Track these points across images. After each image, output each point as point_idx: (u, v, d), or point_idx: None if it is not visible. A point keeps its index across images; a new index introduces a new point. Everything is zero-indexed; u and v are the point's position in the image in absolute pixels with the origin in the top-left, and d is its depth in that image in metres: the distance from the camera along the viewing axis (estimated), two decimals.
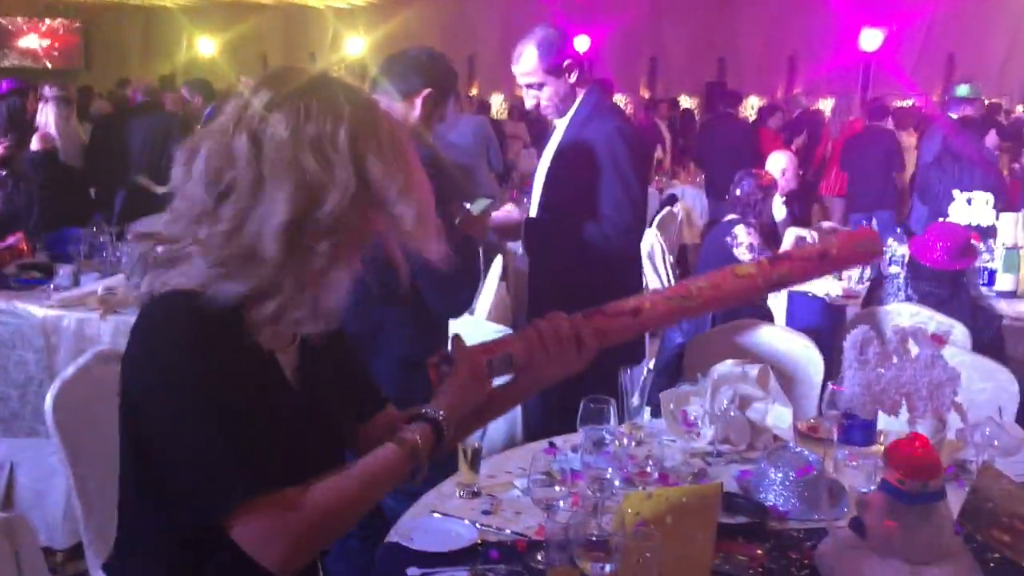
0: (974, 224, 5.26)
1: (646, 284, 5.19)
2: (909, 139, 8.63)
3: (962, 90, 7.39)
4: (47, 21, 17.05)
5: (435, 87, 2.81)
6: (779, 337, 3.36)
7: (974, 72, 11.72)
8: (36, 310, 3.87)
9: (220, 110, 1.45)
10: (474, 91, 15.55)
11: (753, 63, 17.71)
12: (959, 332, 3.43)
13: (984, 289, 4.52)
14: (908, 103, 12.44)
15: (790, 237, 4.98)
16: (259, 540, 1.36)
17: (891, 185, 7.82)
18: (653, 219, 6.60)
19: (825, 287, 4.58)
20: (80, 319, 3.82)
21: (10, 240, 4.47)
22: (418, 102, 2.79)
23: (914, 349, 2.23)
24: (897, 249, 4.90)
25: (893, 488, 1.72)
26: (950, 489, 1.84)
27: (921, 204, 6.29)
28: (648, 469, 2.08)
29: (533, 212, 3.29)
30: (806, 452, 2.21)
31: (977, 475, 1.89)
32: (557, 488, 1.95)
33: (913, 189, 7.11)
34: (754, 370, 2.55)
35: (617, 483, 2.03)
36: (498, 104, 15.73)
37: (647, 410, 2.65)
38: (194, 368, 1.36)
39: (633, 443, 2.39)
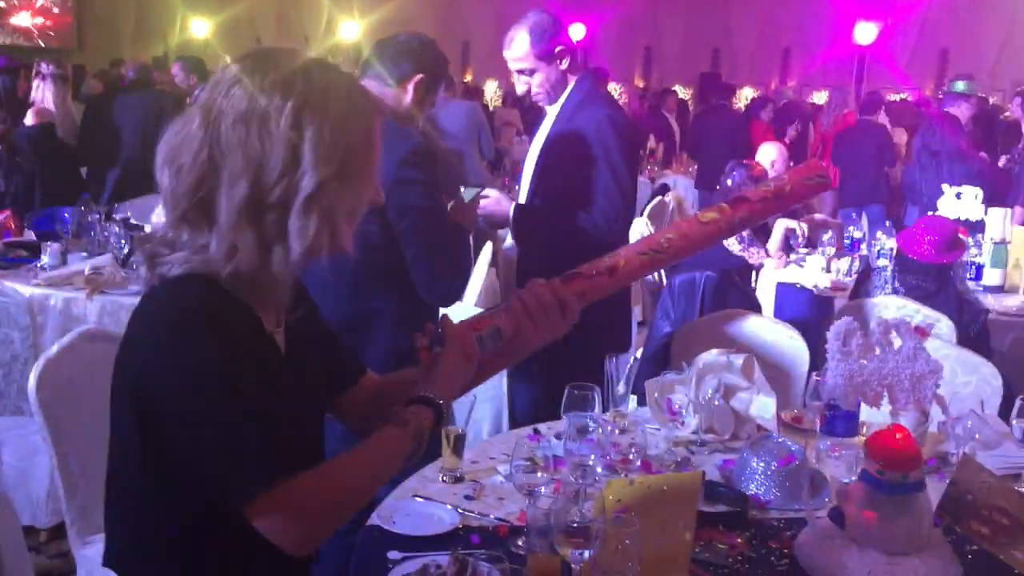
0: (962, 218, 5.27)
1: None
2: (900, 135, 8.63)
3: (959, 86, 7.37)
4: (39, 1, 16.91)
5: (426, 73, 2.80)
6: (766, 328, 3.38)
7: (968, 67, 11.70)
8: (23, 289, 3.86)
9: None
10: (468, 77, 15.51)
11: (748, 55, 17.72)
12: (945, 325, 3.44)
13: (971, 283, 4.53)
14: (901, 97, 12.44)
15: (780, 229, 4.99)
16: (280, 525, 1.39)
17: (883, 180, 7.83)
18: (644, 208, 6.59)
19: (813, 279, 4.59)
20: (67, 298, 3.81)
21: None
22: (410, 88, 2.78)
23: (897, 341, 2.24)
24: (885, 242, 4.91)
25: (873, 479, 1.73)
26: (931, 481, 1.85)
27: (911, 204, 6.29)
28: (631, 457, 2.09)
29: (523, 199, 3.29)
30: (789, 442, 2.22)
31: (957, 468, 1.90)
32: (540, 474, 1.96)
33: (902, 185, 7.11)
34: (739, 360, 2.56)
35: (599, 470, 2.03)
36: (492, 91, 15.69)
37: (633, 398, 2.66)
38: (211, 354, 1.38)
39: (617, 431, 2.39)
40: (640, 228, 5.79)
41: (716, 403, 2.46)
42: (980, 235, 4.83)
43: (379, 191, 1.53)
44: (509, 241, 3.32)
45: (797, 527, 1.94)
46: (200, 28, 16.14)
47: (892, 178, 7.89)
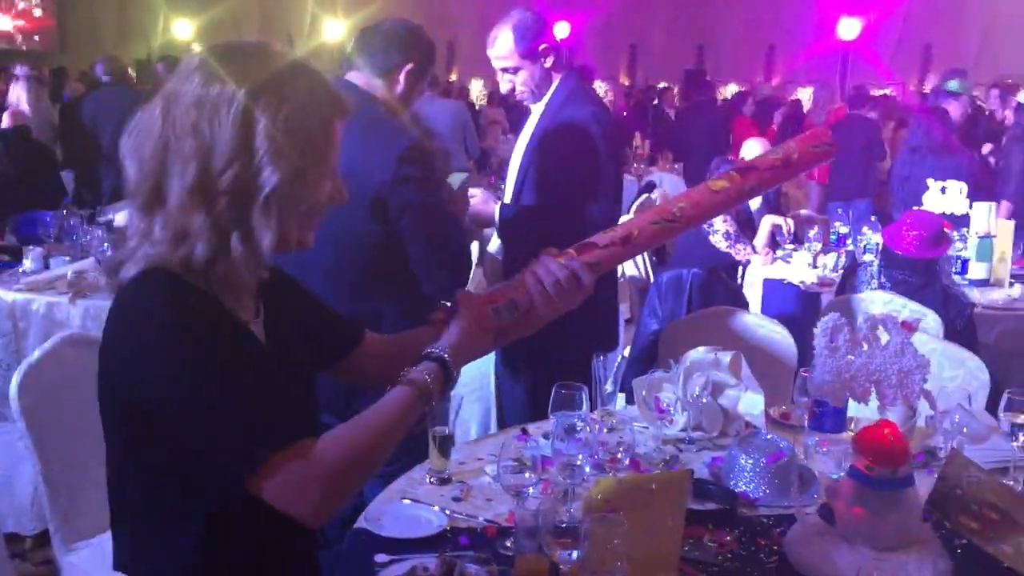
0: (947, 213, 5.28)
1: (622, 271, 5.19)
2: (888, 130, 8.64)
3: (951, 84, 7.37)
4: (20, 4, 16.80)
5: (415, 62, 2.78)
6: (753, 324, 3.37)
7: (951, 62, 11.75)
8: (5, 294, 3.83)
9: None
10: (453, 77, 15.49)
11: (732, 52, 17.75)
12: (931, 320, 3.44)
13: (957, 277, 4.54)
14: (884, 92, 12.48)
15: (766, 225, 5.00)
16: (291, 492, 1.38)
17: (872, 174, 7.84)
18: (631, 206, 6.59)
19: (800, 275, 4.59)
20: (50, 303, 3.78)
21: None
22: (400, 78, 2.75)
23: (884, 336, 2.24)
24: (871, 237, 4.92)
25: (861, 474, 1.72)
26: (919, 476, 1.85)
27: (898, 198, 6.30)
28: (619, 455, 2.08)
29: (508, 198, 3.28)
30: (777, 439, 2.21)
31: (945, 462, 1.89)
32: (527, 475, 1.95)
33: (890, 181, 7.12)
34: (726, 357, 2.55)
35: (588, 469, 2.02)
36: (478, 90, 15.67)
37: (621, 397, 2.65)
38: (184, 342, 1.38)
39: (605, 429, 2.39)
40: None
41: (704, 400, 2.45)
42: (965, 229, 4.84)
43: (341, 189, 1.52)
44: (495, 243, 3.30)
45: (786, 524, 1.94)
46: (183, 29, 16.09)
47: (881, 172, 7.90)
